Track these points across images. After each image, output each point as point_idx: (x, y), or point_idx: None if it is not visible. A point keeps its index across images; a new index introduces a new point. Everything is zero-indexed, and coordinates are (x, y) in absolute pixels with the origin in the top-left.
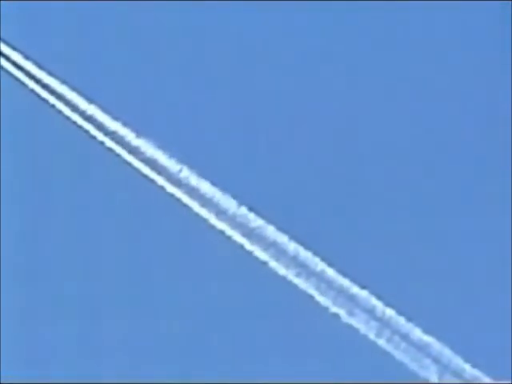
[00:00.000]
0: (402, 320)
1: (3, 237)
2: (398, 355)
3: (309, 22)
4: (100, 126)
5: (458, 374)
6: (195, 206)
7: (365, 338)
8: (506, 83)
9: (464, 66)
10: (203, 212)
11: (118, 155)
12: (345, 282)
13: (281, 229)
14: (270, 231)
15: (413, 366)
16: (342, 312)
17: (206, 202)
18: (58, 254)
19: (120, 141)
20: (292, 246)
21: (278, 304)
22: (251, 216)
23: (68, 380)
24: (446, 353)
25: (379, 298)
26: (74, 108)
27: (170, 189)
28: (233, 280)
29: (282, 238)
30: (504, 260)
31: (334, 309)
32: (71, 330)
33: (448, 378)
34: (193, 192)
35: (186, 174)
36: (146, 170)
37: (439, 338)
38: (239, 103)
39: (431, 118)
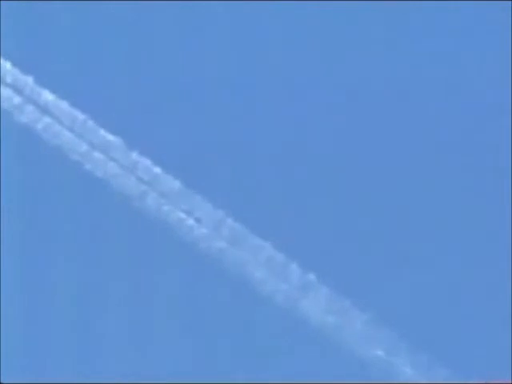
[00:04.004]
0: None
1: (3, 237)
2: None
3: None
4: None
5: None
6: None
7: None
8: (506, 83)
9: (464, 65)
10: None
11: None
12: None
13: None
14: None
15: None
16: None
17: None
18: (56, 254)
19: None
20: None
21: None
22: None
23: (68, 380)
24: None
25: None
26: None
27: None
28: None
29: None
30: (504, 258)
31: None
32: (71, 331)
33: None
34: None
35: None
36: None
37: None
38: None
39: (430, 119)
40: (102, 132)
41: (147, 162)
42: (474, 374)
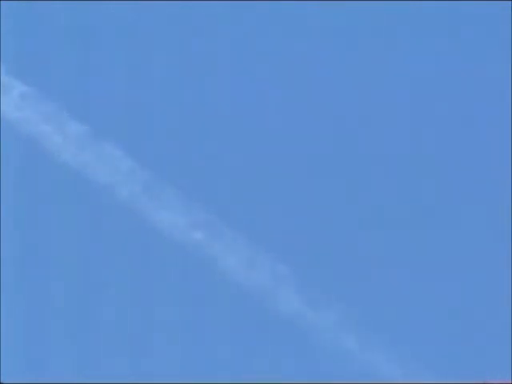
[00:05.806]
0: None
1: (3, 235)
2: None
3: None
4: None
5: None
6: None
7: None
8: (506, 83)
9: (463, 66)
10: None
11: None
12: None
13: None
14: None
15: None
16: None
17: None
18: (56, 253)
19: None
20: None
21: None
22: None
23: (68, 380)
24: None
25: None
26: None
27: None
28: None
29: None
30: (500, 250)
31: None
32: (72, 330)
33: None
34: None
35: None
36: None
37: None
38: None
39: (429, 120)
40: (75, 123)
41: (120, 153)
42: (466, 373)
